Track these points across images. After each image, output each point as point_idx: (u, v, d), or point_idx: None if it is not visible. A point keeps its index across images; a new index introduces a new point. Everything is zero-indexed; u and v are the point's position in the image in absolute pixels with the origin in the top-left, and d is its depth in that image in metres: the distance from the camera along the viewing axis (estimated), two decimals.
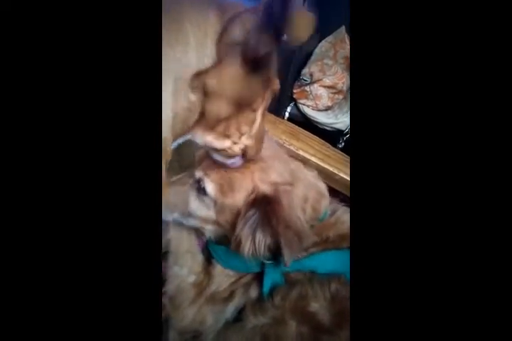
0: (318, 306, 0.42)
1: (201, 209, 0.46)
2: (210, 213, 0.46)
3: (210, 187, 0.44)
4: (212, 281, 0.48)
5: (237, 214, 0.44)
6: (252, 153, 0.42)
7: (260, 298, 0.44)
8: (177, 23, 0.31)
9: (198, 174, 0.45)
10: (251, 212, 0.43)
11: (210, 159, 0.44)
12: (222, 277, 0.48)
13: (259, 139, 0.42)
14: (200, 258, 0.51)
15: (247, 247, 0.42)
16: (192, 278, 0.49)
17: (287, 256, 0.40)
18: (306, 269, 0.46)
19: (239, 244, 0.43)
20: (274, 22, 0.29)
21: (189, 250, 0.51)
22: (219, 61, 0.32)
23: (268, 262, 0.45)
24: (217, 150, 0.40)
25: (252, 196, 0.43)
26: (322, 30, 1.05)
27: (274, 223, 0.40)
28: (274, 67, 0.33)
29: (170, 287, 0.48)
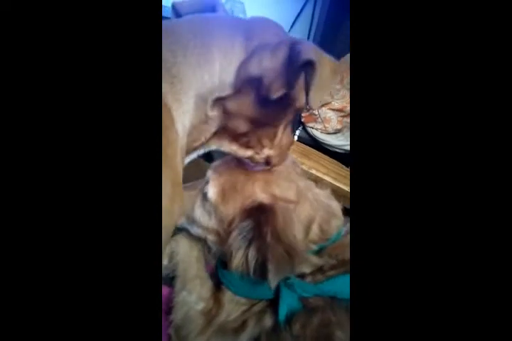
0: (343, 335, 0.37)
1: (203, 217, 0.46)
2: (211, 222, 0.45)
3: (211, 190, 0.44)
4: (222, 309, 0.44)
5: (231, 224, 0.42)
6: (276, 162, 0.43)
7: (276, 327, 0.40)
8: (206, 46, 0.31)
9: (208, 174, 0.46)
10: (245, 223, 0.41)
11: (230, 164, 0.45)
12: (233, 305, 0.44)
13: (283, 149, 0.42)
14: (209, 283, 0.48)
15: (236, 261, 0.40)
16: (200, 306, 0.45)
17: (272, 272, 0.36)
18: (325, 294, 0.42)
19: (230, 255, 0.40)
20: (292, 67, 0.29)
21: (198, 275, 0.48)
22: (238, 90, 0.33)
23: (281, 283, 0.42)
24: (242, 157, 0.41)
25: (248, 204, 0.42)
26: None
27: (264, 233, 0.38)
28: (298, 87, 0.32)
29: (177, 315, 0.44)
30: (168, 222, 0.30)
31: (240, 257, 0.40)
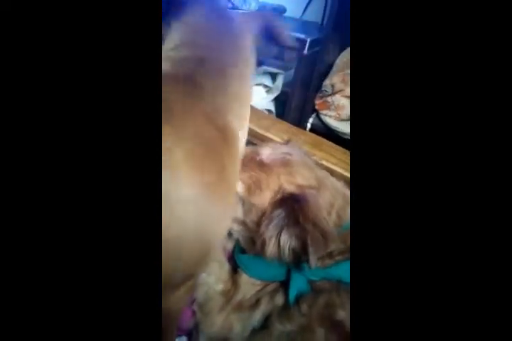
0: (345, 314, 0.42)
1: None
2: (238, 213, 0.48)
3: (239, 186, 0.46)
4: (239, 290, 0.49)
5: (262, 215, 0.45)
6: None
7: (286, 306, 0.45)
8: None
9: None
10: (277, 212, 0.44)
11: (244, 160, 0.47)
12: (248, 286, 0.49)
13: None
14: (226, 267, 0.53)
15: (270, 248, 0.43)
16: (219, 287, 0.50)
17: (312, 255, 0.40)
18: (332, 278, 0.46)
19: (263, 244, 0.44)
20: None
21: (216, 259, 0.53)
22: None
23: (291, 266, 0.46)
24: None
25: (279, 196, 0.45)
26: (342, 41, 1.07)
27: (301, 221, 0.41)
28: None
29: (199, 294, 0.49)
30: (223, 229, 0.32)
31: (273, 244, 0.43)
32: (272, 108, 1.07)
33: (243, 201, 0.47)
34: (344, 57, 1.07)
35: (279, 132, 0.73)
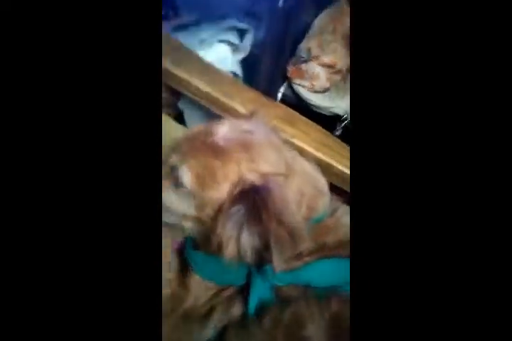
0: (313, 329, 0.36)
1: (178, 203, 0.40)
2: (189, 208, 0.40)
3: (187, 176, 0.37)
4: (189, 295, 0.42)
5: (219, 209, 0.37)
6: None
7: (245, 320, 0.38)
8: None
9: (173, 160, 0.38)
10: (236, 208, 0.36)
11: (193, 143, 0.38)
12: (201, 290, 0.42)
13: None
14: (174, 265, 0.45)
15: (229, 250, 0.36)
16: (165, 290, 0.42)
17: (277, 258, 0.34)
18: (300, 282, 0.40)
19: (220, 245, 0.36)
20: None
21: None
22: None
23: (253, 268, 0.39)
24: None
25: (238, 189, 0.37)
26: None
27: (264, 217, 0.34)
28: None
29: None
30: None
31: (232, 246, 0.36)
32: (239, 71, 0.93)
33: (194, 196, 0.38)
34: (322, 19, 0.98)
35: (245, 102, 0.62)
